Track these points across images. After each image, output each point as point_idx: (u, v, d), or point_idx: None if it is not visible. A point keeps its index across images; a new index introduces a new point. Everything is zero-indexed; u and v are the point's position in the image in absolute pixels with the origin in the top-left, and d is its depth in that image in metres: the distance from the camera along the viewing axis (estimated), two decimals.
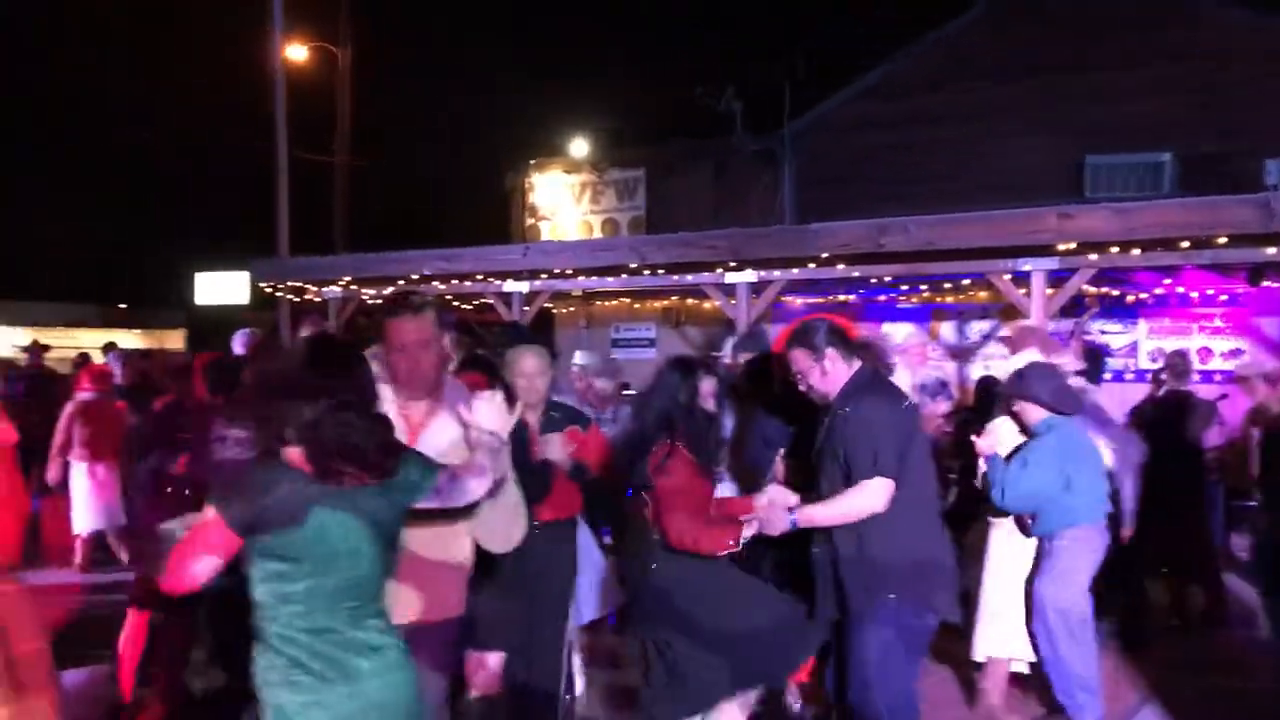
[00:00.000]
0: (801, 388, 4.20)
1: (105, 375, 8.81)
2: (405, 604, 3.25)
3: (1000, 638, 5.28)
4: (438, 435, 3.33)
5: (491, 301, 11.66)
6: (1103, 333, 11.21)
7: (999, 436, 5.17)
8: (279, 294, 13.21)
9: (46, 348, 12.73)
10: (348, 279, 12.24)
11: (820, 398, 4.15)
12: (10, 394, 10.29)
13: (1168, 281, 10.05)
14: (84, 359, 9.30)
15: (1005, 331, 7.84)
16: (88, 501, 8.30)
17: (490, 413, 3.09)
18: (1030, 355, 5.50)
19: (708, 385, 4.26)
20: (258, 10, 17.70)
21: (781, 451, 4.81)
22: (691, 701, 4.06)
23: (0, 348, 18.04)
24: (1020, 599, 5.19)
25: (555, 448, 4.34)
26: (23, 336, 14.57)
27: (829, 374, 4.09)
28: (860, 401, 4.00)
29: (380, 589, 2.79)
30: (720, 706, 4.11)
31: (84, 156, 31.34)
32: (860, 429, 3.94)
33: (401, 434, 3.18)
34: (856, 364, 4.13)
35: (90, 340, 18.07)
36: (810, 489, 4.20)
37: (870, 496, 3.87)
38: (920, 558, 3.97)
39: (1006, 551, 5.28)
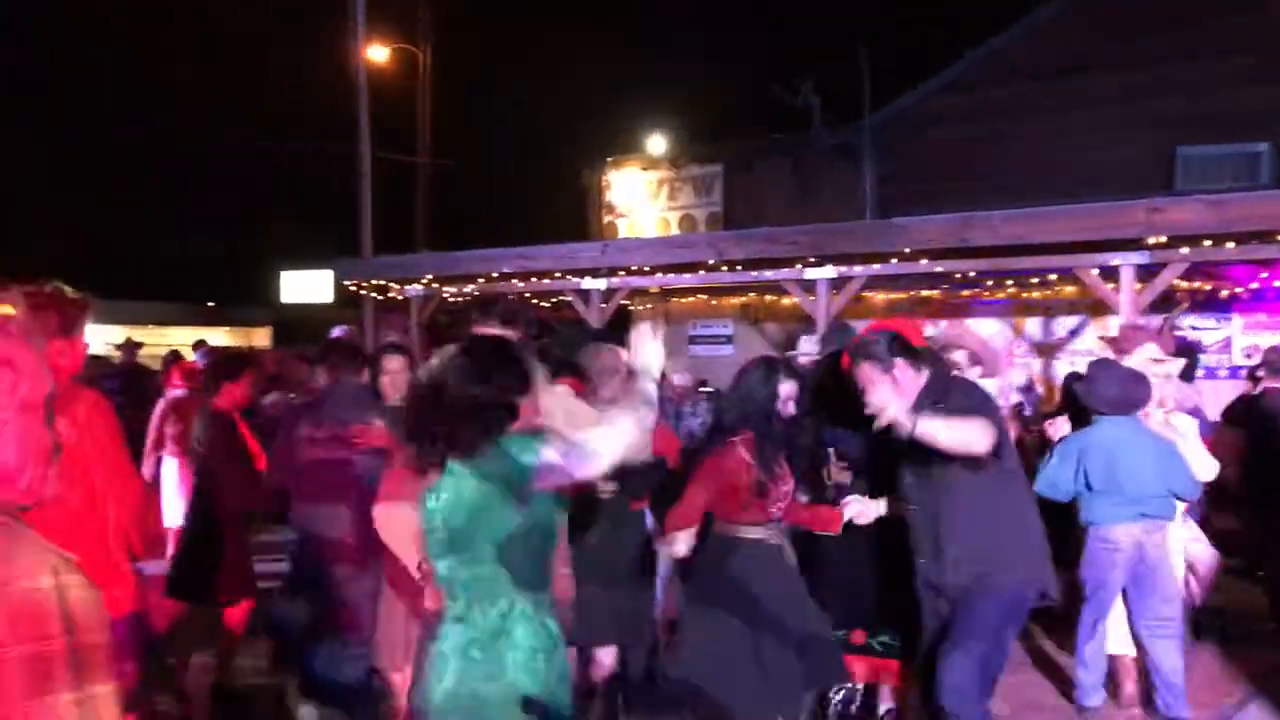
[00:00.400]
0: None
1: (194, 372, 8.99)
2: None
3: (1121, 634, 5.34)
4: None
5: (570, 299, 11.72)
6: (1194, 328, 10.90)
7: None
8: (363, 292, 13.44)
9: (139, 345, 13.04)
10: (429, 277, 12.42)
11: None
12: (105, 390, 10.57)
13: (1264, 275, 9.75)
14: (175, 356, 9.53)
15: (1108, 331, 7.68)
16: (179, 495, 8.51)
17: (652, 352, 3.02)
18: (1150, 352, 5.45)
19: (788, 389, 4.21)
20: (340, 13, 18.03)
21: (833, 452, 4.75)
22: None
23: (95, 345, 18.56)
24: None
25: None
26: (117, 334, 14.99)
27: (900, 383, 4.04)
28: (948, 394, 4.00)
29: (504, 575, 2.71)
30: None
31: (174, 158, 32.18)
32: (961, 405, 3.91)
33: None
34: (926, 371, 4.09)
35: (181, 337, 18.56)
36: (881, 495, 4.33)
37: (980, 431, 3.74)
38: (1022, 538, 3.97)
39: None
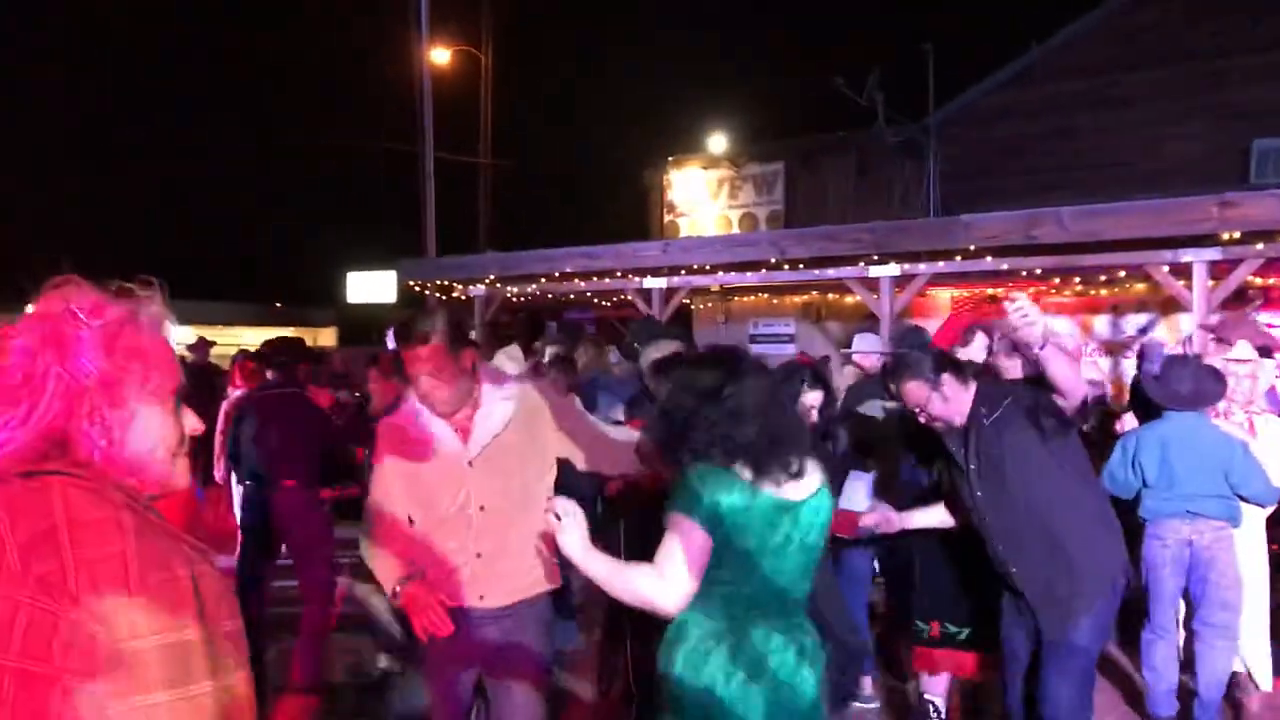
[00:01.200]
0: (922, 419, 4.09)
1: (254, 371, 9.11)
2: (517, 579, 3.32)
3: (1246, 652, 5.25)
4: (486, 422, 3.28)
5: (631, 298, 11.74)
6: (1269, 326, 10.62)
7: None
8: (426, 292, 13.58)
9: (212, 343, 13.24)
10: (492, 277, 12.52)
11: (944, 425, 4.05)
12: None
13: None
14: (244, 355, 9.65)
15: (1178, 329, 7.54)
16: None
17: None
18: (1239, 351, 5.33)
19: (811, 398, 4.16)
20: (405, 16, 18.22)
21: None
22: None
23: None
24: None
25: None
26: (189, 334, 15.30)
27: (950, 399, 3.96)
28: (1004, 399, 3.93)
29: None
30: None
31: (245, 161, 32.79)
32: (1029, 404, 3.87)
33: (453, 439, 3.24)
34: (973, 384, 4.02)
35: (250, 337, 18.88)
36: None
37: (1081, 382, 3.73)
38: (1101, 547, 3.87)
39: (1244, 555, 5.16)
